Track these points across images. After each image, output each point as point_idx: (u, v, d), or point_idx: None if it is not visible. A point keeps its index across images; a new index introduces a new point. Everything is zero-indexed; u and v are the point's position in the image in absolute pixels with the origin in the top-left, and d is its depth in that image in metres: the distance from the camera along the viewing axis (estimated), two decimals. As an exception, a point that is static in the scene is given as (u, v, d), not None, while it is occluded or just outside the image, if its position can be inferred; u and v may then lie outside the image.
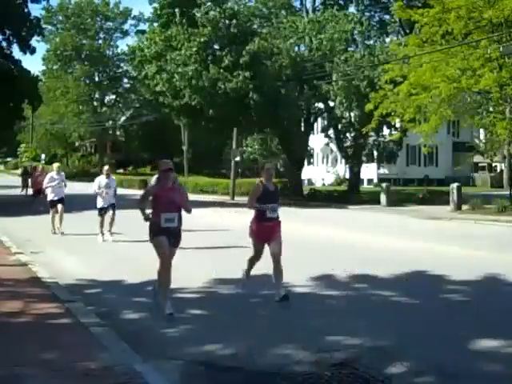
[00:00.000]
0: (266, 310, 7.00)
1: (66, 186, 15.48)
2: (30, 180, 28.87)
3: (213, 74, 27.50)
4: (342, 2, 35.21)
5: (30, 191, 28.40)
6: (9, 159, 78.83)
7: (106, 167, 14.47)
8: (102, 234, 13.60)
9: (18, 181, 36.07)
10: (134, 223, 16.77)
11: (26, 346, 5.26)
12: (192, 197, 34.40)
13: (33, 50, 28.63)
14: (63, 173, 15.94)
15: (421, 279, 8.85)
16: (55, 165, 15.76)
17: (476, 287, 8.23)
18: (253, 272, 9.03)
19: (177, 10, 29.20)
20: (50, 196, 14.99)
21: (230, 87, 27.17)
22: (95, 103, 67.75)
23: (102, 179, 13.86)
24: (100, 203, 13.69)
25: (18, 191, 33.20)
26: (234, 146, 34.87)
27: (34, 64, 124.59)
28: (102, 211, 13.69)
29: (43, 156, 68.71)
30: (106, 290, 8.17)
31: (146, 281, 8.58)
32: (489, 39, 21.39)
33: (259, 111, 28.32)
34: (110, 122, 65.05)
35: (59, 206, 14.81)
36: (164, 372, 4.73)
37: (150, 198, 6.88)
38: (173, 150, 60.29)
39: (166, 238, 6.57)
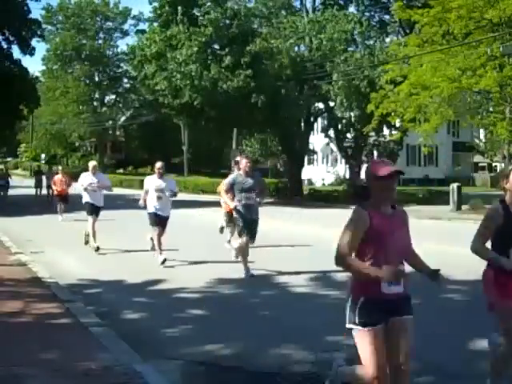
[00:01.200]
0: (266, 310, 7.00)
1: (108, 189, 12.61)
2: (44, 180, 28.86)
3: (213, 74, 27.51)
4: (341, 2, 35.18)
5: (44, 191, 28.72)
6: (9, 159, 78.82)
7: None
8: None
9: (19, 181, 36.04)
10: (134, 223, 16.76)
11: (25, 346, 5.26)
12: (192, 197, 34.25)
13: (32, 50, 28.63)
14: (103, 174, 13.69)
15: (420, 279, 8.84)
16: (91, 163, 12.68)
17: (476, 287, 8.21)
18: (253, 272, 9.04)
19: (179, 7, 29.18)
20: (87, 198, 12.16)
21: (232, 86, 27.18)
22: (95, 103, 67.75)
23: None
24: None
25: (18, 191, 33.15)
26: (234, 146, 34.89)
27: (33, 64, 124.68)
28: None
29: (43, 156, 68.74)
30: (106, 290, 8.17)
31: (146, 281, 8.60)
32: (489, 39, 21.39)
33: (259, 111, 28.33)
34: (110, 122, 65.04)
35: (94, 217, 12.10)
36: (164, 372, 4.73)
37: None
38: (173, 150, 60.39)
39: None
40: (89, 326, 5.87)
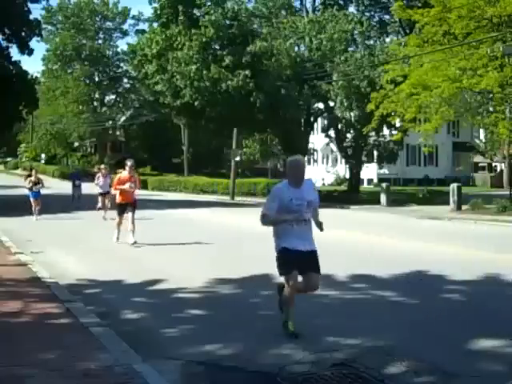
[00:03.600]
0: (266, 310, 6.99)
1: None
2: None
3: (214, 74, 27.52)
4: (341, 2, 35.24)
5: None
6: (9, 159, 78.84)
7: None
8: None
9: (20, 181, 35.60)
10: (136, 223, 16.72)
11: (25, 345, 5.26)
12: (192, 196, 34.38)
13: (31, 51, 28.57)
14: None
15: (421, 279, 8.85)
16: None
17: (476, 287, 8.22)
18: (253, 272, 9.04)
19: (180, 7, 29.16)
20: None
21: (232, 86, 27.18)
22: (95, 103, 67.77)
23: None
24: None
25: (18, 191, 33.07)
26: (234, 146, 34.89)
27: (33, 64, 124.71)
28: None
29: (43, 156, 68.75)
30: (105, 290, 8.17)
31: (146, 281, 8.60)
32: (490, 39, 21.38)
33: (259, 111, 28.35)
34: (110, 122, 65.04)
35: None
36: (164, 372, 4.73)
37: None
38: (173, 150, 60.40)
39: None
40: (89, 326, 5.87)
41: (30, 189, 19.50)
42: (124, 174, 12.93)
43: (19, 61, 28.97)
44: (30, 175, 21.40)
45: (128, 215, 12.48)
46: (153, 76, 29.93)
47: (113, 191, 13.78)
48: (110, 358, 4.90)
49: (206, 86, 27.64)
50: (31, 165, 59.03)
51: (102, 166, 22.54)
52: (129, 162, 13.12)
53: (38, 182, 19.58)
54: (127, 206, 12.54)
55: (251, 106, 28.04)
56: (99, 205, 20.21)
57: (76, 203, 24.13)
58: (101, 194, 20.11)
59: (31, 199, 19.47)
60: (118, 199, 12.74)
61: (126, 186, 12.49)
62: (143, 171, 59.59)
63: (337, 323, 6.30)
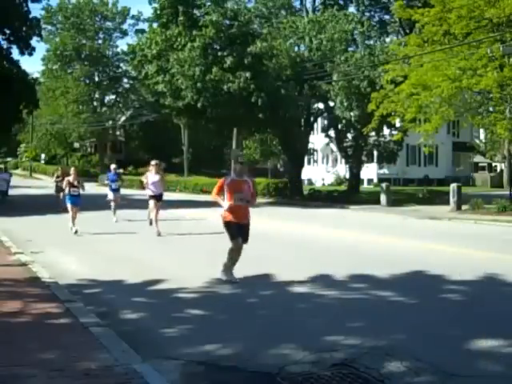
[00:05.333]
0: (266, 309, 6.99)
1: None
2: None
3: (215, 75, 27.51)
4: (341, 2, 35.21)
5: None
6: (9, 159, 78.83)
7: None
8: None
9: (20, 181, 35.53)
10: (134, 223, 16.75)
11: (25, 345, 5.26)
12: (192, 197, 34.34)
13: (31, 51, 28.55)
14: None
15: (420, 279, 8.86)
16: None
17: (476, 287, 8.23)
18: (252, 272, 9.04)
19: (181, 7, 29.13)
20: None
21: (233, 88, 27.19)
22: (95, 103, 67.75)
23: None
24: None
25: (20, 191, 33.03)
26: (234, 146, 34.90)
27: (33, 64, 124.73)
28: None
29: (43, 156, 68.73)
30: (105, 290, 8.17)
31: (146, 281, 8.60)
32: (490, 39, 21.38)
33: (260, 111, 28.34)
34: (110, 122, 65.04)
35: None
36: (164, 372, 4.73)
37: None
38: (173, 150, 60.39)
39: None
40: (89, 326, 5.87)
41: (58, 191, 17.63)
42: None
43: (18, 60, 29.02)
44: (60, 176, 20.30)
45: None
46: (153, 77, 29.91)
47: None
48: (110, 358, 4.90)
49: (207, 87, 27.64)
50: (61, 163, 58.25)
51: (154, 163, 15.49)
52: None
53: (76, 184, 15.37)
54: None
55: (251, 107, 28.02)
56: (151, 215, 15.15)
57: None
58: (153, 198, 14.94)
59: (68, 205, 15.20)
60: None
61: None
62: (143, 171, 59.61)
63: (337, 323, 6.30)
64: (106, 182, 19.88)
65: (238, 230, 8.44)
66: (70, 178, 15.32)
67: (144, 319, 6.61)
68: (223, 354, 5.30)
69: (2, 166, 35.16)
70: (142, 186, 16.53)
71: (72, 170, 15.99)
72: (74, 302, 6.97)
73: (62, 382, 4.42)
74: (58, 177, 22.59)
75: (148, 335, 5.89)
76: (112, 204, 18.60)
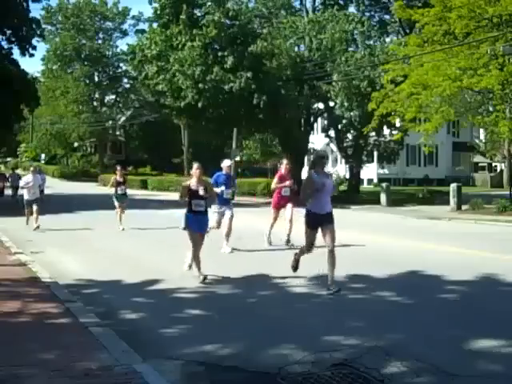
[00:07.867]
0: (266, 309, 6.99)
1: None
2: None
3: (216, 75, 27.50)
4: (341, 2, 35.23)
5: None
6: (9, 159, 78.84)
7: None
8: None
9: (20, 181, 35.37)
10: (133, 223, 16.76)
11: (25, 346, 5.26)
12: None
13: (32, 50, 28.56)
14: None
15: (421, 279, 8.85)
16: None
17: (476, 287, 8.22)
18: (252, 272, 9.04)
19: (180, 7, 29.12)
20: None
21: (234, 88, 27.19)
22: (95, 103, 67.72)
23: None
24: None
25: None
26: (234, 146, 34.88)
27: (33, 64, 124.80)
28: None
29: (43, 156, 68.71)
30: (105, 290, 8.17)
31: (146, 281, 8.59)
32: (490, 39, 21.37)
33: (260, 111, 28.35)
34: (110, 122, 65.04)
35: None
36: (164, 372, 4.73)
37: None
38: (173, 150, 60.38)
39: None
40: (88, 326, 5.87)
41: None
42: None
43: (17, 60, 29.00)
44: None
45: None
46: (153, 77, 29.91)
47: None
48: (110, 358, 4.90)
49: (208, 87, 27.64)
50: (61, 163, 57.04)
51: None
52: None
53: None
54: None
55: (252, 107, 28.03)
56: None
57: None
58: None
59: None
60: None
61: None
62: (143, 171, 59.64)
63: (337, 323, 6.30)
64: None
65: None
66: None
67: (144, 319, 6.61)
68: (223, 354, 5.30)
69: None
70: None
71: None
72: (74, 302, 6.97)
73: (62, 382, 4.42)
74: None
75: (148, 335, 5.89)
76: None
